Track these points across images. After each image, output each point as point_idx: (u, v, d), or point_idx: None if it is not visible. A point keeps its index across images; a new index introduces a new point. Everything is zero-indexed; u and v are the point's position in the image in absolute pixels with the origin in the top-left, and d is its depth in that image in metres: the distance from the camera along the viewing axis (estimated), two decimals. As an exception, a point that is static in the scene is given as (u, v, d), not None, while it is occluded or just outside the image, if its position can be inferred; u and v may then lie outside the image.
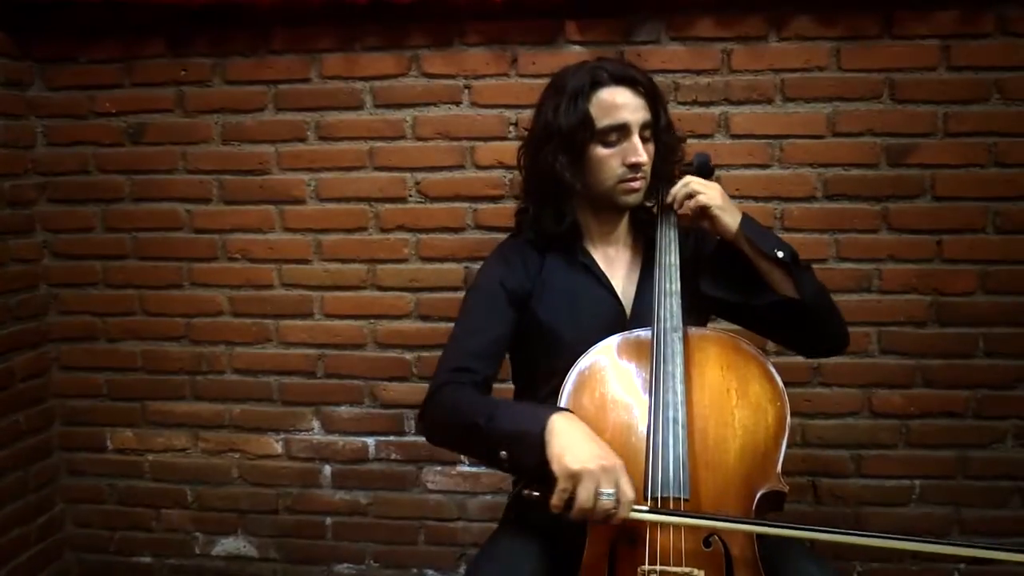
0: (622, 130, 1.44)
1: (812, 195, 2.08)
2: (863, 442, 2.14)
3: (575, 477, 1.16)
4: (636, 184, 1.47)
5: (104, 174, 2.28)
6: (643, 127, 1.45)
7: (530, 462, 1.23)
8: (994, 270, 2.06)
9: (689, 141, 1.66)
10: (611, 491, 1.16)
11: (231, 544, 2.36)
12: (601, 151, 1.45)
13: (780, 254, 1.42)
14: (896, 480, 2.14)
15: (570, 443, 1.20)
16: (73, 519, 2.43)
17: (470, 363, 1.43)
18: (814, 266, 2.04)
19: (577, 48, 2.09)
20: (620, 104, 1.43)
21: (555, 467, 1.18)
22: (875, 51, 2.02)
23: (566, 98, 1.44)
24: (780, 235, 2.04)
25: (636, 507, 1.18)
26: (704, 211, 1.44)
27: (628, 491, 1.17)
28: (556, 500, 1.18)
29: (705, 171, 1.61)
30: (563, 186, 1.47)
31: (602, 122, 1.43)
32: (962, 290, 2.07)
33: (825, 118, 2.05)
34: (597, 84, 1.43)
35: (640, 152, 1.44)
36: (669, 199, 1.48)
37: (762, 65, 2.05)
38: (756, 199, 2.09)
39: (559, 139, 1.45)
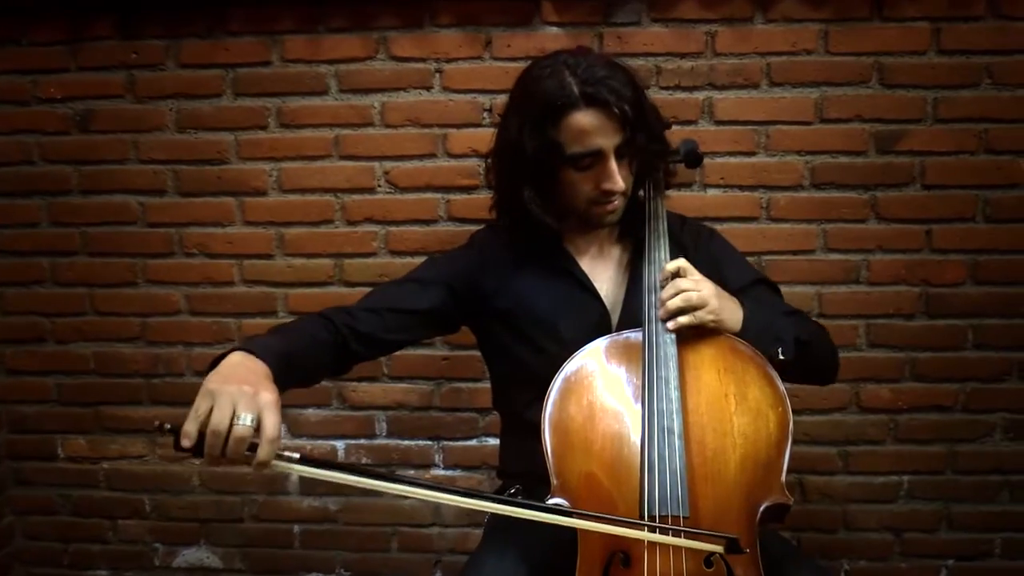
0: (596, 155, 1.31)
1: (799, 183, 2.01)
2: (851, 438, 2.08)
3: (211, 396, 1.04)
4: (611, 206, 1.37)
5: (49, 164, 2.14)
6: (620, 147, 1.32)
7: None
8: (984, 260, 2.00)
9: (673, 128, 1.58)
10: (250, 417, 1.03)
11: (193, 555, 2.25)
12: (573, 174, 1.34)
13: (782, 353, 1.32)
14: (884, 476, 2.09)
15: (225, 371, 1.10)
16: (23, 531, 2.29)
17: (359, 313, 1.38)
18: (802, 257, 2.02)
19: (554, 30, 1.99)
20: (591, 130, 1.29)
21: (200, 389, 1.07)
22: (864, 33, 1.94)
23: (532, 117, 1.31)
24: (766, 226, 2.02)
25: (285, 453, 1.05)
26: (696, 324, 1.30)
27: (271, 427, 1.04)
28: (187, 424, 1.04)
29: (693, 159, 1.53)
30: (544, 212, 1.37)
31: (573, 148, 1.31)
32: (951, 281, 2.01)
33: (812, 103, 1.98)
34: (567, 107, 1.28)
35: (615, 179, 1.32)
36: (662, 314, 1.29)
37: (747, 48, 1.97)
38: (741, 188, 2.02)
39: (524, 165, 1.33)
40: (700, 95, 1.99)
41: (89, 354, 2.20)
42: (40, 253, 2.18)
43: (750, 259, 1.97)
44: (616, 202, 1.36)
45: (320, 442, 2.18)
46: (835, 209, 2.01)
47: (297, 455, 1.07)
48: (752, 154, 2.01)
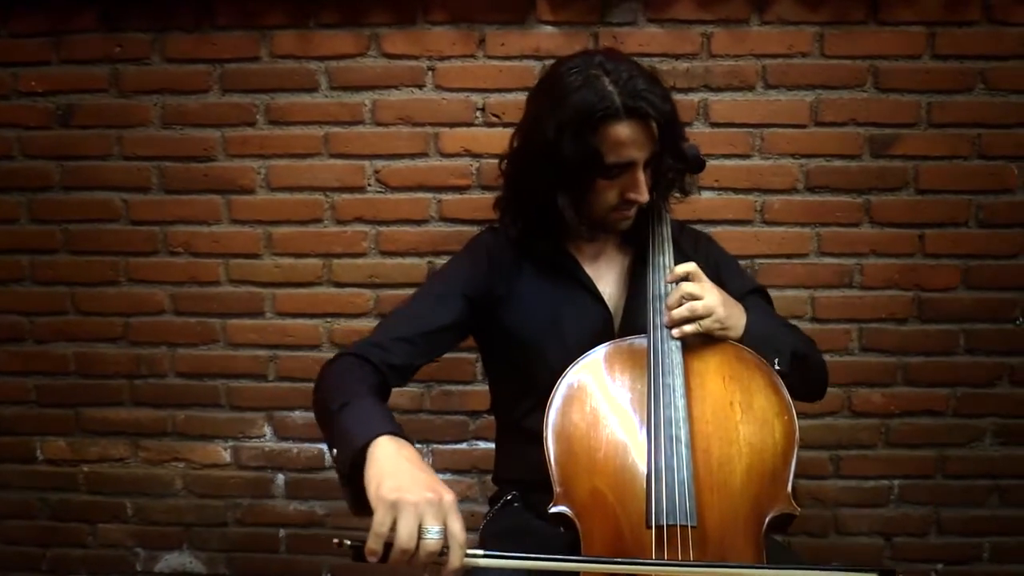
0: (626, 166, 1.31)
1: (793, 187, 2.00)
2: (842, 442, 2.07)
3: (394, 508, 0.99)
4: (630, 213, 1.36)
5: (30, 160, 2.09)
6: (649, 159, 1.32)
7: (343, 472, 1.10)
8: (976, 265, 2.01)
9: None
10: (437, 528, 0.99)
11: (175, 560, 2.20)
12: (601, 182, 1.32)
13: (777, 363, 1.30)
14: (875, 480, 2.09)
15: (392, 470, 1.04)
16: (0, 536, 2.23)
17: (391, 345, 1.33)
18: (796, 261, 2.01)
19: (549, 29, 1.97)
20: (628, 142, 1.29)
21: (371, 497, 1.01)
22: (859, 37, 1.94)
23: (571, 123, 1.28)
24: (760, 229, 2.01)
25: (471, 551, 1.02)
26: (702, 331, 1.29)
27: (459, 532, 1.00)
28: (371, 541, 0.99)
29: (695, 165, 1.51)
30: (561, 217, 1.36)
31: (609, 158, 1.29)
32: (944, 286, 2.02)
33: (808, 106, 1.97)
34: (607, 117, 1.27)
35: (642, 191, 1.32)
36: (667, 321, 1.29)
37: (743, 50, 1.96)
38: (736, 191, 2.01)
39: (561, 170, 1.31)
40: (695, 97, 1.98)
41: (70, 354, 2.15)
42: (20, 251, 2.12)
43: (744, 263, 1.98)
44: (634, 210, 1.36)
45: (307, 445, 2.14)
46: (829, 213, 2.00)
47: (481, 551, 1.03)
48: (747, 157, 2.00)
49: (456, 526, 1.00)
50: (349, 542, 1.00)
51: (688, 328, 1.27)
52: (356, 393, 1.21)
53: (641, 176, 1.31)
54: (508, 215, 1.44)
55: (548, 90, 1.35)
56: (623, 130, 1.28)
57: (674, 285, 1.30)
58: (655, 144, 1.31)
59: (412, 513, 0.99)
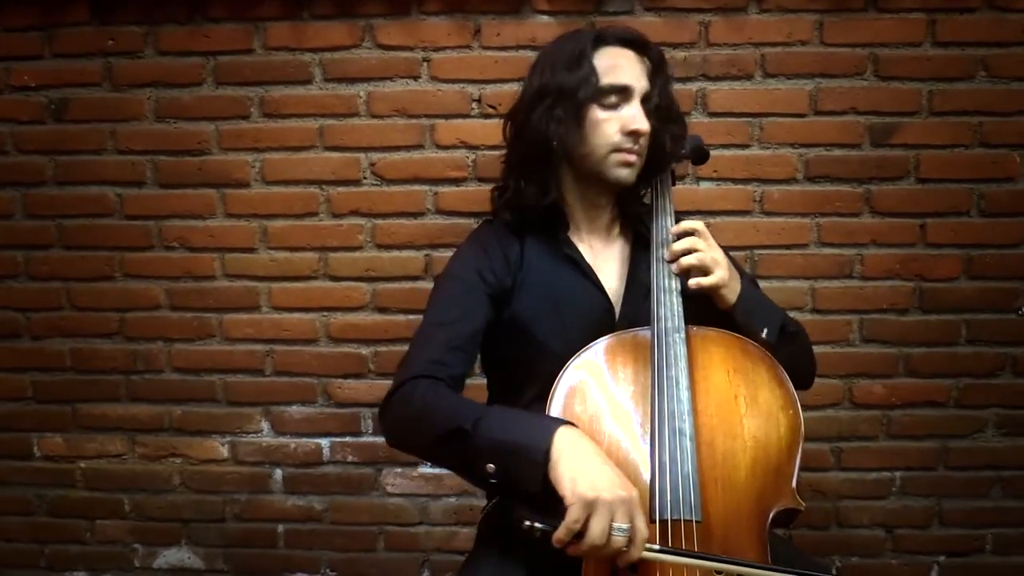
0: (623, 92, 1.32)
1: (793, 177, 1.98)
2: (843, 434, 2.06)
3: (590, 507, 1.02)
4: (631, 157, 1.34)
5: (24, 155, 2.07)
6: (645, 96, 1.33)
7: (528, 481, 1.08)
8: (978, 254, 1.99)
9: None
10: (625, 526, 1.02)
11: (174, 555, 2.19)
12: (599, 113, 1.32)
13: (766, 333, 1.31)
14: (876, 472, 2.07)
15: (585, 466, 1.05)
16: (-3, 533, 2.22)
17: (445, 356, 1.28)
18: (796, 251, 2.00)
19: (545, 18, 1.95)
20: (624, 65, 1.32)
21: (566, 493, 1.03)
22: (859, 25, 1.92)
23: (565, 57, 1.33)
24: (759, 219, 2.00)
25: (649, 546, 1.04)
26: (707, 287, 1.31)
27: (643, 528, 1.03)
28: (562, 533, 1.02)
29: (699, 155, 1.50)
30: (553, 152, 1.34)
31: (604, 80, 1.31)
32: (945, 275, 2.00)
33: (807, 95, 1.95)
34: (602, 41, 1.33)
35: (642, 120, 1.31)
36: (674, 268, 1.32)
37: (742, 39, 1.94)
38: (735, 181, 1.99)
39: (557, 96, 1.32)
40: (693, 86, 1.96)
41: (66, 350, 2.13)
42: (14, 246, 2.10)
43: (743, 253, 1.98)
44: (635, 155, 1.34)
45: (305, 440, 2.12)
46: (829, 202, 1.99)
47: (658, 546, 1.06)
48: (746, 146, 1.98)
49: (640, 522, 1.04)
50: (539, 525, 1.04)
51: (690, 281, 1.30)
52: (474, 407, 1.19)
53: (639, 106, 1.32)
54: (505, 185, 1.43)
55: (544, 53, 1.41)
56: (618, 51, 1.33)
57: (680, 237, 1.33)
58: (649, 80, 1.34)
59: (606, 512, 1.02)
